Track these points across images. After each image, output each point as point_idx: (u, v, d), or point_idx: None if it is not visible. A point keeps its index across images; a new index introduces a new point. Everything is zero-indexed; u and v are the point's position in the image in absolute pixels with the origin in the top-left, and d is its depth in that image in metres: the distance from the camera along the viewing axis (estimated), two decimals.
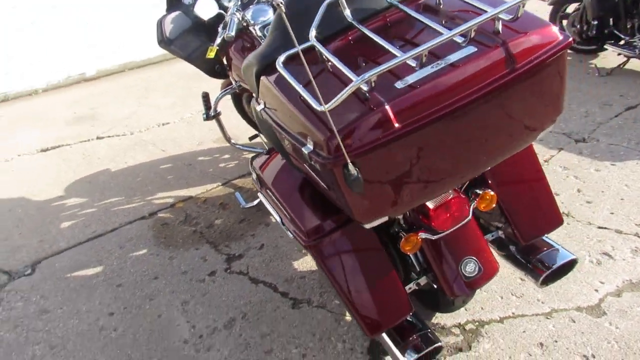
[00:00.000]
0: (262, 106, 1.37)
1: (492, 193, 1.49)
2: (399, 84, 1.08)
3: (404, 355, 1.46)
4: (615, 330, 1.73)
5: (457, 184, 1.33)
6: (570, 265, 1.57)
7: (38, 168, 3.58)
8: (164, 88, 5.04)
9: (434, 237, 1.44)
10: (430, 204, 1.40)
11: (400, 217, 1.48)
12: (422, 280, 1.59)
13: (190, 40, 2.50)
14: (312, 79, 1.00)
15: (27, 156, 3.80)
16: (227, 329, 1.95)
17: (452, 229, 1.44)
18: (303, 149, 1.12)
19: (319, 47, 1.19)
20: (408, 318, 1.55)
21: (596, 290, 1.90)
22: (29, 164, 3.67)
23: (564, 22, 4.22)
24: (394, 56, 1.07)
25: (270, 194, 1.65)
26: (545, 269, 1.55)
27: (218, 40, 2.25)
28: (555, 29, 1.15)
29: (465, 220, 1.45)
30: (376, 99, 1.06)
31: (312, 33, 1.24)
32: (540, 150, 2.90)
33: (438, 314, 1.87)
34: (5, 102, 5.34)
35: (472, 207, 1.48)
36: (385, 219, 1.23)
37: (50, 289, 2.31)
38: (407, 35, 1.23)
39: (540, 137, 1.30)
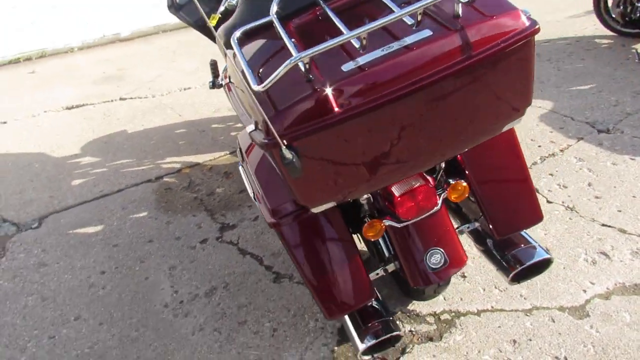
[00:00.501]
0: (226, 80, 1.35)
1: (464, 184, 1.43)
2: (346, 67, 1.03)
3: (362, 340, 1.45)
4: (594, 334, 1.66)
5: (409, 173, 1.28)
6: (544, 265, 1.51)
7: (61, 125, 3.70)
8: (192, 53, 5.07)
9: (399, 225, 1.40)
10: (396, 191, 1.36)
11: (365, 201, 1.44)
12: (390, 267, 1.57)
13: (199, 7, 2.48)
14: (260, 56, 0.98)
15: (52, 113, 3.93)
16: (208, 297, 1.99)
17: (417, 218, 1.40)
18: (247, 127, 1.10)
19: (276, 23, 1.15)
20: (373, 304, 1.54)
21: (584, 291, 1.82)
22: (53, 120, 3.79)
23: (609, 2, 3.95)
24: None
25: (247, 168, 1.64)
26: (516, 265, 1.49)
27: (221, 8, 2.22)
28: (522, 14, 1.06)
29: (433, 210, 1.41)
30: (319, 80, 1.02)
31: (274, 8, 1.20)
32: (558, 139, 2.77)
33: (416, 302, 1.85)
34: (43, 57, 5.50)
35: (442, 197, 1.43)
36: (333, 204, 1.20)
37: (52, 243, 2.41)
38: (369, 16, 1.17)
39: (507, 127, 1.23)
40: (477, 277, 1.94)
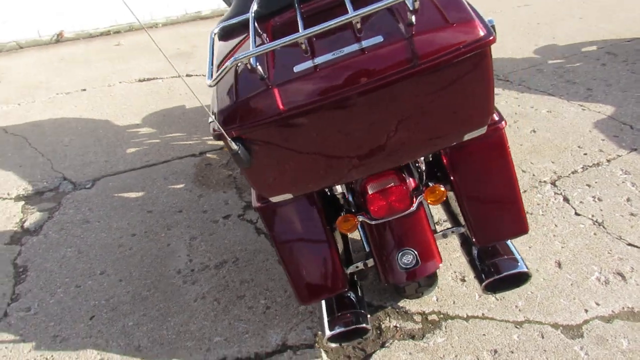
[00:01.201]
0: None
1: (442, 188, 1.42)
2: (298, 67, 1.07)
3: (331, 328, 1.51)
4: (582, 356, 1.59)
5: (362, 174, 1.29)
6: (521, 279, 1.47)
7: (130, 96, 4.01)
8: None
9: (372, 223, 1.43)
10: (370, 189, 1.39)
11: (340, 196, 1.48)
12: (370, 262, 1.60)
13: None
14: (229, 52, 1.05)
15: (125, 84, 4.26)
16: (217, 268, 2.13)
17: (390, 218, 1.42)
18: (209, 117, 1.18)
19: (251, 21, 1.21)
20: (350, 296, 1.58)
21: (586, 311, 1.74)
22: (124, 91, 4.12)
23: None
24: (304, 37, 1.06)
25: None
26: (492, 275, 1.46)
27: None
28: (479, 24, 1.04)
29: (407, 212, 1.41)
30: (269, 79, 1.07)
31: (254, 7, 1.26)
32: (608, 148, 2.60)
33: (407, 299, 1.86)
34: (130, 31, 5.93)
35: (419, 199, 1.43)
36: (290, 196, 1.26)
37: (98, 203, 2.67)
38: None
39: (470, 137, 1.21)
40: (476, 282, 1.90)
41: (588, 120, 2.92)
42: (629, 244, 1.99)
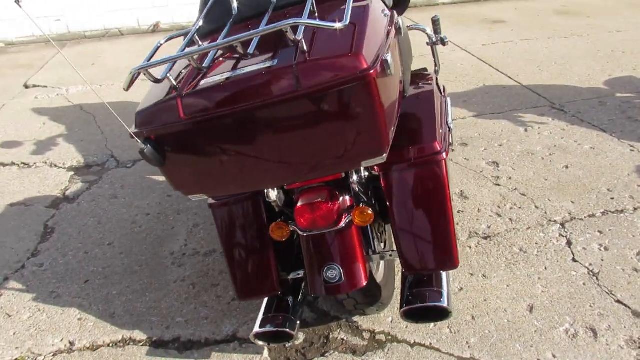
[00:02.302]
0: None
1: (369, 211, 1.43)
2: (203, 82, 1.17)
3: (261, 326, 1.58)
4: None
5: (257, 187, 1.35)
6: (441, 313, 1.44)
7: None
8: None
9: (302, 234, 1.49)
10: (300, 200, 1.45)
11: (274, 204, 1.54)
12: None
13: None
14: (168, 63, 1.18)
15: None
16: (205, 256, 2.28)
17: (317, 232, 1.46)
18: None
19: (189, 35, 1.33)
20: (289, 300, 1.65)
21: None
22: None
23: None
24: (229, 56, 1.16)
25: None
26: (412, 303, 1.45)
27: None
28: (362, 57, 1.06)
29: (334, 228, 1.45)
30: (178, 90, 1.18)
31: (199, 22, 1.37)
32: None
33: (364, 316, 1.88)
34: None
35: (348, 218, 1.46)
36: (203, 196, 1.35)
37: (130, 182, 2.95)
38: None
39: (367, 165, 1.22)
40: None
41: (632, 163, 2.70)
42: (617, 301, 1.85)
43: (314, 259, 1.50)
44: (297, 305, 1.65)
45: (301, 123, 1.13)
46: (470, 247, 2.20)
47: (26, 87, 4.70)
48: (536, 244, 2.18)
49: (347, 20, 1.10)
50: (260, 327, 1.58)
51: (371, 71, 1.05)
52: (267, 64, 1.14)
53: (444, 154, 1.45)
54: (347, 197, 1.49)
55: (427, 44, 2.88)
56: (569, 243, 2.16)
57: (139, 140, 1.19)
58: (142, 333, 1.88)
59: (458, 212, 2.44)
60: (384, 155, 1.19)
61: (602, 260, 2.04)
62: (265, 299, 1.67)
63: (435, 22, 2.79)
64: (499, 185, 2.63)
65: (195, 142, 1.20)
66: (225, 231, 1.62)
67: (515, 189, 2.58)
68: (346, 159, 1.20)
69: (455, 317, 1.83)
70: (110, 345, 1.85)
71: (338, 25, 1.07)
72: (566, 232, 2.23)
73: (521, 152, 2.91)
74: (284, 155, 1.20)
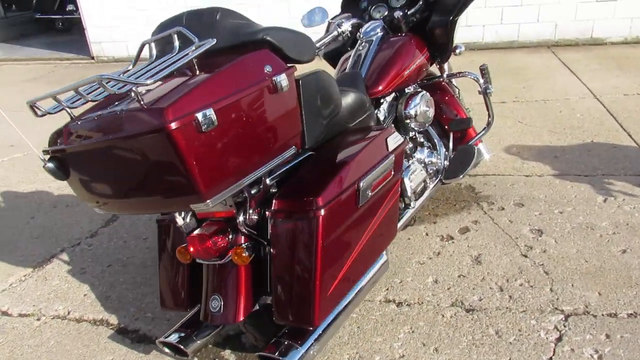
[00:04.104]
0: None
1: (244, 253, 1.48)
2: (87, 115, 1.36)
3: (167, 335, 1.73)
4: None
5: (116, 211, 1.46)
6: None
7: None
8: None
9: (197, 261, 1.60)
10: (197, 230, 1.57)
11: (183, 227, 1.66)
12: None
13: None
14: None
15: None
16: None
17: (206, 262, 1.56)
18: None
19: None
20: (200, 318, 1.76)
21: None
22: None
23: None
24: None
25: None
26: (266, 349, 1.46)
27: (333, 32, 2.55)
28: (166, 111, 1.13)
29: (219, 261, 1.53)
30: (72, 119, 1.39)
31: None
32: None
33: None
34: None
35: (230, 255, 1.53)
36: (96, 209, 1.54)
37: None
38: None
39: (187, 208, 1.28)
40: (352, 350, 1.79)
41: None
42: None
43: (206, 286, 1.61)
44: (206, 327, 1.75)
45: (124, 164, 1.26)
46: (443, 316, 2.02)
47: None
48: (519, 330, 1.91)
49: (154, 78, 1.20)
50: (166, 336, 1.73)
51: (171, 124, 1.13)
52: (117, 107, 1.30)
53: (322, 211, 1.43)
54: (242, 236, 1.56)
55: (479, 92, 2.71)
56: (559, 339, 1.84)
57: (41, 157, 1.46)
58: (116, 319, 2.18)
59: (459, 276, 2.24)
60: (207, 201, 1.25)
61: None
62: (191, 312, 1.82)
63: (482, 71, 2.62)
64: (525, 257, 2.33)
65: (75, 164, 1.41)
66: (159, 246, 1.82)
67: (542, 264, 2.26)
68: (172, 201, 1.29)
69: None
70: (91, 322, 2.18)
71: (138, 87, 1.19)
72: (565, 327, 1.90)
73: (579, 225, 2.52)
74: (119, 188, 1.34)
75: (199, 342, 1.72)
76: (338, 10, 2.83)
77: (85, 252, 2.72)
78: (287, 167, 1.64)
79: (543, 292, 2.09)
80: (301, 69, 1.53)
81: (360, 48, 2.45)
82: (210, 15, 1.48)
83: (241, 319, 1.55)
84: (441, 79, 2.75)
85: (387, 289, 2.21)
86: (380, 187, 1.67)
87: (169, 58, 1.35)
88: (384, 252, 1.85)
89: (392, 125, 2.37)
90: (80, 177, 1.41)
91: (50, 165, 1.44)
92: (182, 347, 1.68)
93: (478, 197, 2.88)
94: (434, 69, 2.84)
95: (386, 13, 2.61)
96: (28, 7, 10.82)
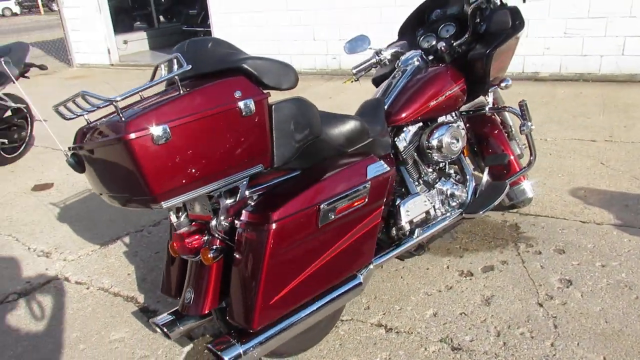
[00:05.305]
0: None
1: (209, 254, 1.65)
2: (96, 122, 1.64)
3: (163, 317, 1.96)
4: None
5: (109, 202, 1.67)
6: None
7: None
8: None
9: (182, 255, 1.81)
10: (184, 229, 1.78)
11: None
12: None
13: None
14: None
15: None
16: None
17: (186, 257, 1.76)
18: None
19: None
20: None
21: None
22: None
23: None
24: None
25: None
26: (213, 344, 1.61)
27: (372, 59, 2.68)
28: (128, 125, 1.32)
29: (192, 257, 1.73)
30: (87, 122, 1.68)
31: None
32: None
33: None
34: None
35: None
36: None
37: None
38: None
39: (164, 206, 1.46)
40: None
41: None
42: None
43: (187, 280, 1.82)
44: (191, 317, 1.95)
45: (106, 165, 1.48)
46: (426, 349, 2.00)
47: None
48: None
49: (123, 96, 1.40)
50: (157, 318, 1.95)
51: (129, 135, 1.34)
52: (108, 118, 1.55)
53: (274, 225, 1.55)
54: (217, 239, 1.74)
55: (520, 130, 2.62)
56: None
57: (65, 153, 1.78)
58: (143, 298, 2.50)
59: (460, 313, 2.19)
60: (161, 204, 1.44)
61: None
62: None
63: (521, 107, 2.54)
64: (541, 305, 2.20)
65: (86, 161, 1.69)
66: (168, 239, 2.07)
67: (554, 317, 2.12)
68: (136, 200, 1.49)
69: None
70: (124, 297, 2.52)
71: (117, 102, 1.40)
72: None
73: (617, 282, 2.30)
74: (105, 184, 1.57)
75: (182, 328, 1.92)
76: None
77: (144, 238, 3.12)
78: (272, 182, 1.80)
79: (542, 345, 1.97)
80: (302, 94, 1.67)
81: (394, 76, 2.52)
82: (204, 43, 1.70)
83: (205, 312, 1.72)
84: (485, 112, 2.69)
85: (384, 313, 2.23)
86: (348, 211, 1.74)
87: (151, 82, 1.57)
88: (359, 275, 1.91)
89: (415, 154, 2.39)
90: (88, 172, 1.70)
91: (70, 160, 1.75)
92: (165, 330, 1.90)
93: (518, 237, 2.74)
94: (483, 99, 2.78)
95: (433, 43, 2.63)
96: (177, 20, 12.30)
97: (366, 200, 1.79)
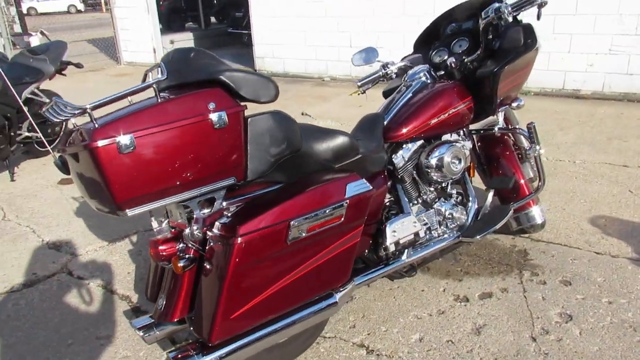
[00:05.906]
0: None
1: (179, 263, 1.65)
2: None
3: (141, 321, 1.98)
4: None
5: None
6: None
7: None
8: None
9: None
10: (161, 235, 1.79)
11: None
12: None
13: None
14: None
15: None
16: None
17: (162, 264, 1.77)
18: None
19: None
20: None
21: None
22: None
23: None
24: None
25: None
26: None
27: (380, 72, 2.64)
28: (96, 133, 1.33)
29: (166, 265, 1.73)
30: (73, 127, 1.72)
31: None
32: None
33: None
34: None
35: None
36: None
37: None
38: None
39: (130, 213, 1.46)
40: None
41: None
42: None
43: (163, 286, 1.83)
44: (167, 323, 1.95)
45: (80, 169, 1.51)
46: None
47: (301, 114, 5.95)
48: None
49: (92, 105, 1.41)
50: (135, 321, 1.97)
51: (95, 143, 1.35)
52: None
53: (239, 239, 1.54)
54: (191, 248, 1.75)
55: (525, 154, 2.50)
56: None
57: (53, 154, 1.82)
58: (137, 298, 2.54)
59: (447, 341, 2.11)
60: (125, 211, 1.45)
61: None
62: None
63: (529, 129, 2.43)
64: (534, 340, 2.08)
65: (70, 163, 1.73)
66: None
67: (546, 353, 2.00)
68: (105, 206, 1.50)
69: None
70: (119, 295, 2.57)
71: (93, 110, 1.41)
72: None
73: (622, 321, 2.15)
74: (81, 187, 1.59)
75: (157, 333, 1.93)
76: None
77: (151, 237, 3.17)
78: (250, 195, 1.78)
79: None
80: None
81: (399, 91, 2.46)
82: (186, 53, 1.70)
83: (174, 319, 1.73)
84: (495, 132, 2.59)
85: (369, 334, 2.18)
86: (321, 229, 1.70)
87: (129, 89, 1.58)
88: (336, 294, 1.86)
89: (414, 172, 2.32)
90: (72, 174, 1.75)
91: (57, 161, 1.80)
92: (141, 334, 1.91)
93: (525, 264, 2.62)
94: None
95: (445, 57, 2.55)
96: (224, 22, 12.56)
97: (342, 219, 1.75)
